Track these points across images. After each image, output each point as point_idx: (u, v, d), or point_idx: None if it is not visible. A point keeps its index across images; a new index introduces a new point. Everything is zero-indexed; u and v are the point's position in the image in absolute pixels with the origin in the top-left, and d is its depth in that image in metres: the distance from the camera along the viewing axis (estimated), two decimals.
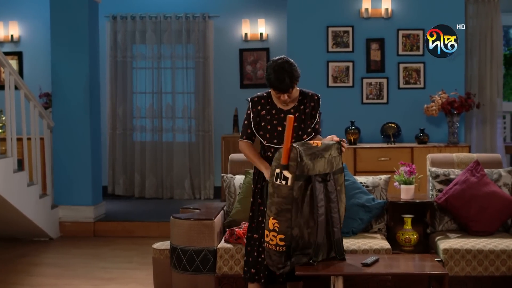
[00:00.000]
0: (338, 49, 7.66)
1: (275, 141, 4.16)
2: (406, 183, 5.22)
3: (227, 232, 4.76)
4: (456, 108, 7.25)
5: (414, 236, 4.92)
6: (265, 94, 4.24)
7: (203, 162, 9.24)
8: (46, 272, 6.07)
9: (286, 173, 3.82)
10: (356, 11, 7.67)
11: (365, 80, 7.66)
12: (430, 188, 5.27)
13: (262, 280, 4.15)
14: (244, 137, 4.26)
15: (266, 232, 3.91)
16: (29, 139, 7.23)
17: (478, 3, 8.02)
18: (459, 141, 7.45)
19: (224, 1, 9.30)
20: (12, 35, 9.26)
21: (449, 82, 7.49)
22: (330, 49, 7.65)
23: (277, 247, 3.87)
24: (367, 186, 5.12)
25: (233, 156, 5.47)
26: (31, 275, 5.92)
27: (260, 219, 4.17)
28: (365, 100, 7.67)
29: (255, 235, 4.19)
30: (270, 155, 4.16)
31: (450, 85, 7.45)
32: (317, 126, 4.23)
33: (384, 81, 7.65)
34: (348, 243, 4.61)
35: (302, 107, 4.19)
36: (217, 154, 9.21)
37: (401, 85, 7.63)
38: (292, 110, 4.17)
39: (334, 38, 7.65)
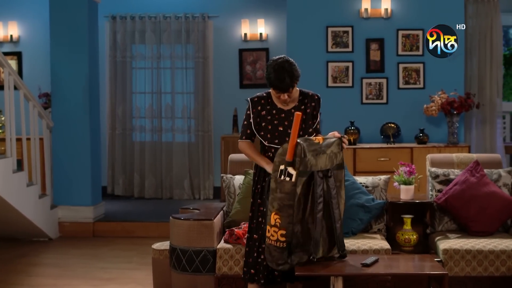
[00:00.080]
0: (338, 49, 7.65)
1: (276, 141, 4.15)
2: (405, 183, 5.21)
3: (227, 232, 4.75)
4: (455, 108, 7.25)
5: (413, 237, 4.92)
6: (265, 94, 4.23)
7: (203, 162, 9.23)
8: (45, 272, 6.06)
9: (290, 169, 3.82)
10: (356, 11, 7.66)
11: (364, 80, 7.66)
12: (430, 188, 5.26)
13: (262, 281, 4.14)
14: (243, 137, 4.25)
15: (268, 227, 3.90)
16: (28, 139, 7.22)
17: (478, 3, 8.01)
18: (459, 141, 7.45)
19: (224, 1, 9.29)
20: (11, 35, 9.25)
21: (448, 82, 7.49)
22: (329, 49, 7.65)
23: (278, 243, 3.87)
24: (366, 187, 5.11)
25: (233, 156, 5.46)
26: (30, 275, 5.92)
27: (260, 219, 4.16)
28: (364, 100, 7.67)
29: (254, 235, 4.18)
30: (271, 155, 4.15)
31: (450, 85, 7.44)
32: (318, 126, 4.24)
33: (384, 81, 7.64)
34: (348, 243, 4.59)
35: (302, 107, 4.19)
36: (217, 154, 9.20)
37: (401, 85, 7.63)
38: (292, 110, 4.16)
39: (333, 38, 7.65)
